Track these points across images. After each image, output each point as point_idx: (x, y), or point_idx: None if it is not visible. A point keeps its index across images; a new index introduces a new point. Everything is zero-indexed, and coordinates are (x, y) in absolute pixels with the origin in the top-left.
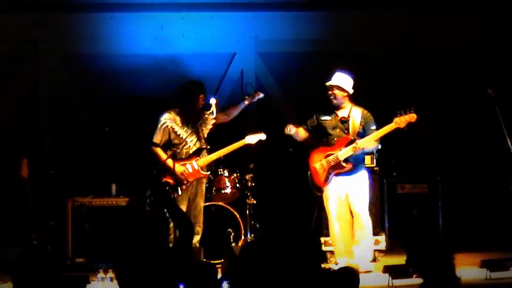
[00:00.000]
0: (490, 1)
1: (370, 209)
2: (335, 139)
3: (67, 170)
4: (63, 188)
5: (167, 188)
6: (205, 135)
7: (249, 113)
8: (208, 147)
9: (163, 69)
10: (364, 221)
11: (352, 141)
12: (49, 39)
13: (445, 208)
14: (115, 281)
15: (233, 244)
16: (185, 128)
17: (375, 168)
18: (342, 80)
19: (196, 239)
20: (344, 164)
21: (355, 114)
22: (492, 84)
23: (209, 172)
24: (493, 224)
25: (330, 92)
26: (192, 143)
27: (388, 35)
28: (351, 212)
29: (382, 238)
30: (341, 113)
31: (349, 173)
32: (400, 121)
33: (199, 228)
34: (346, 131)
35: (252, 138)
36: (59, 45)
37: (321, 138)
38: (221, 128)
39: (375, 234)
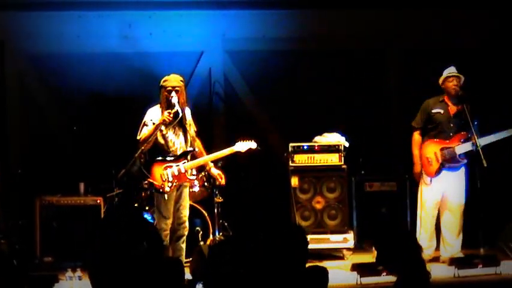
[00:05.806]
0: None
1: (338, 207)
2: (451, 134)
3: (35, 169)
4: (31, 187)
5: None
6: (192, 137)
7: (217, 111)
8: (197, 150)
9: (131, 68)
10: (461, 212)
11: (468, 138)
12: (15, 38)
13: (413, 206)
14: (83, 280)
15: (201, 243)
16: (169, 127)
17: (343, 166)
18: None
19: (182, 239)
20: (459, 159)
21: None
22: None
23: (194, 177)
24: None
25: (456, 84)
26: (179, 144)
27: (356, 33)
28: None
29: (350, 236)
30: (453, 107)
31: (457, 168)
32: None
33: (184, 230)
34: (461, 126)
35: (241, 146)
36: (25, 44)
37: (429, 130)
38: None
39: (343, 232)
